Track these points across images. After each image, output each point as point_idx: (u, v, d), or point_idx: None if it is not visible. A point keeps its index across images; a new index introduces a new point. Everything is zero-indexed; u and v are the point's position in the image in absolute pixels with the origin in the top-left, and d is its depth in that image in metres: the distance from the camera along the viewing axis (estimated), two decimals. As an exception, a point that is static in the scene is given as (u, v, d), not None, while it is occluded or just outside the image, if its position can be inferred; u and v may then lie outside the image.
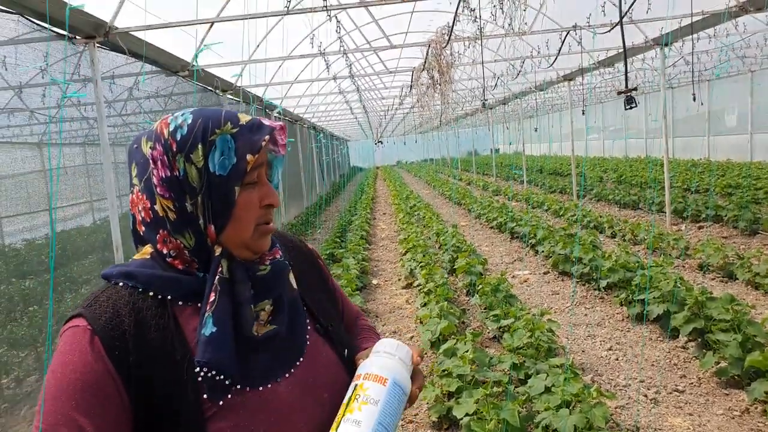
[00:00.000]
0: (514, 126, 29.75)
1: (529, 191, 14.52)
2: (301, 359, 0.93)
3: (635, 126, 23.06)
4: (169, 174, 0.85)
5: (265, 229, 0.91)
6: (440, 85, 5.71)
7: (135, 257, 0.93)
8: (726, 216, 8.40)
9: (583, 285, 6.18)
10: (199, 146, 0.84)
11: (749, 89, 15.32)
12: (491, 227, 10.44)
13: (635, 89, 3.16)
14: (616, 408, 3.50)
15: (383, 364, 0.88)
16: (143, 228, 0.89)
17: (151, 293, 0.86)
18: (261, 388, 0.86)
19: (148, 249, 0.91)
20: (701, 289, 4.45)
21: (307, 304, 1.01)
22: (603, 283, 5.63)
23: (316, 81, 10.44)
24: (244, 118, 0.88)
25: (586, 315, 5.29)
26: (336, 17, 5.62)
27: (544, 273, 6.93)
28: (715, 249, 6.26)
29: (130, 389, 0.79)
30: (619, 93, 3.18)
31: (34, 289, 5.46)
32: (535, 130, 16.96)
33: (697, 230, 8.57)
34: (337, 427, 0.81)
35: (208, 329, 0.82)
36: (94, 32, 4.33)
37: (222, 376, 0.82)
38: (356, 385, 0.87)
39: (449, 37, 5.21)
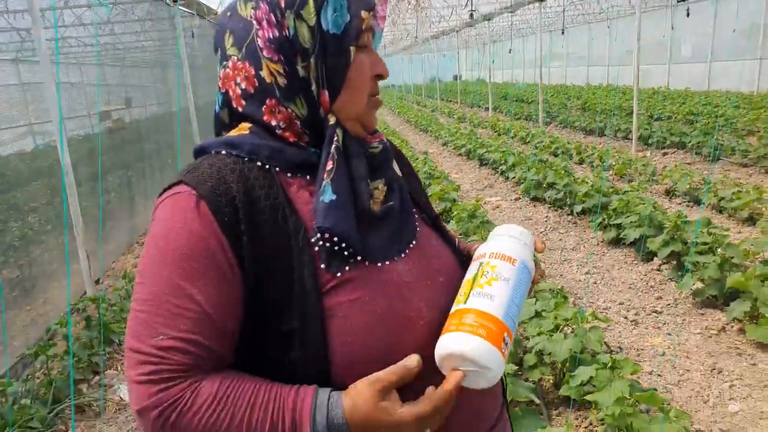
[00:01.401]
0: (478, 51, 29.13)
1: (495, 118, 14.36)
2: (414, 242, 0.86)
3: (598, 53, 22.94)
4: (277, 34, 0.78)
5: (376, 101, 0.86)
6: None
7: (231, 133, 0.83)
8: (690, 143, 8.52)
9: (556, 210, 6.18)
10: (310, 1, 0.77)
11: (713, 15, 15.26)
12: (459, 154, 10.30)
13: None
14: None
15: (510, 246, 0.83)
16: (243, 102, 0.81)
17: (259, 163, 0.79)
18: (380, 264, 0.80)
19: (244, 125, 0.82)
20: (677, 213, 4.47)
21: (411, 194, 0.95)
22: (578, 209, 5.61)
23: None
24: None
25: (560, 240, 5.29)
26: None
27: (516, 199, 6.89)
28: (682, 175, 6.33)
29: (241, 259, 0.73)
30: (679, 0, 2.92)
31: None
32: (509, 52, 16.57)
33: (661, 157, 8.68)
34: (466, 299, 0.76)
35: (328, 196, 0.76)
36: None
37: (342, 245, 0.76)
38: (481, 263, 0.81)
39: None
